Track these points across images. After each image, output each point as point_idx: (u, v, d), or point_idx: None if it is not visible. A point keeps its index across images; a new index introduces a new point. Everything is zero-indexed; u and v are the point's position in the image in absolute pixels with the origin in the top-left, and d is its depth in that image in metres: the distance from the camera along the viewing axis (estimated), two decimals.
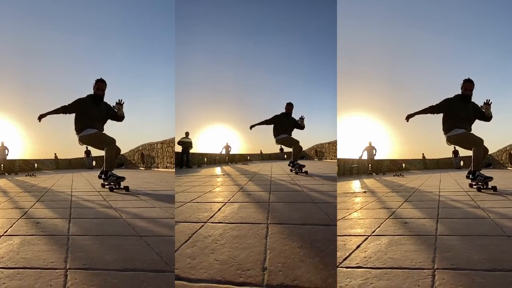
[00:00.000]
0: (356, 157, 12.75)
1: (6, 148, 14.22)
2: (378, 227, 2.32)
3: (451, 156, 20.32)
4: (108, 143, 4.67)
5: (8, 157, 14.41)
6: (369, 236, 2.07)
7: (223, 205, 2.86)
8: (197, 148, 13.77)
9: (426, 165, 20.70)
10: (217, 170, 9.25)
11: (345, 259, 1.66)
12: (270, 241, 1.77)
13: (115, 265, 1.54)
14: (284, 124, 6.99)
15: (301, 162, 7.03)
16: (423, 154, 21.10)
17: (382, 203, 3.67)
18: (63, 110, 4.60)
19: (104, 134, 4.82)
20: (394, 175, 11.03)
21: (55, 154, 19.93)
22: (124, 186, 4.51)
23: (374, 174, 12.27)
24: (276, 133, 7.02)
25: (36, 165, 17.96)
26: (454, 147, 19.09)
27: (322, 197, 3.35)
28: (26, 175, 11.12)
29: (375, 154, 13.21)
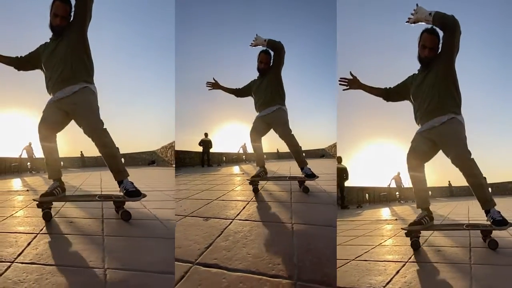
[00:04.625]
0: (384, 185, 13.16)
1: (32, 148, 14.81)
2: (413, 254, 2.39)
3: None
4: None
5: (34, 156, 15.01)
6: (406, 262, 2.16)
7: (247, 204, 2.94)
8: (215, 148, 13.79)
9: (452, 192, 20.60)
10: (236, 169, 9.35)
11: (388, 283, 1.80)
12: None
13: (150, 267, 1.62)
14: (257, 92, 3.62)
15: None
16: (449, 181, 20.97)
17: None
18: (15, 62, 2.77)
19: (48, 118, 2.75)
20: None
21: (81, 152, 20.42)
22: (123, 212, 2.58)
23: (402, 202, 12.50)
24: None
25: (62, 163, 18.52)
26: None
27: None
28: None
29: (403, 184, 13.61)
